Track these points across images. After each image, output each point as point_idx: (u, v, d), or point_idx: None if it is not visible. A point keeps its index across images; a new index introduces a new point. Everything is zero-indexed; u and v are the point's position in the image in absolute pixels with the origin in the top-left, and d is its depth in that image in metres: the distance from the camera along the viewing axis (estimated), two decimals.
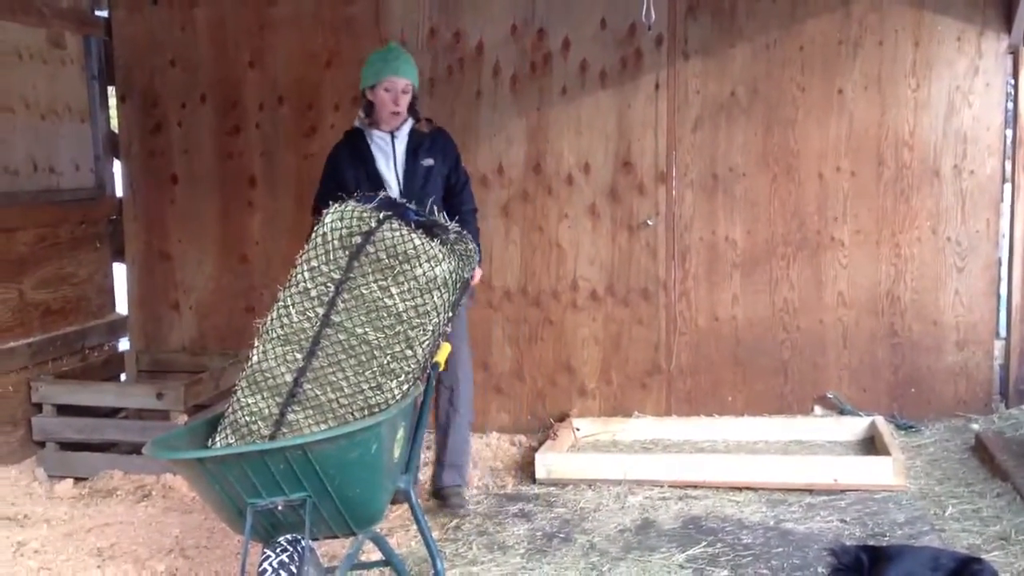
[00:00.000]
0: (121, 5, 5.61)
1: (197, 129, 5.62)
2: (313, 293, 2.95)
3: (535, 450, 4.90)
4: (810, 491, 4.38)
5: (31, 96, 5.17)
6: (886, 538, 3.82)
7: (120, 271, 5.88)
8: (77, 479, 4.85)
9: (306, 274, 2.97)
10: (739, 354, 5.31)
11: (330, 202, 3.21)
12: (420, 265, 2.95)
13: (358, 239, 2.98)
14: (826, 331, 5.24)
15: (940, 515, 4.07)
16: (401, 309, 2.93)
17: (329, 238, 3.00)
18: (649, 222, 5.29)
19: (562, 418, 5.37)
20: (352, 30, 5.46)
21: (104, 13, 5.68)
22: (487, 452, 5.24)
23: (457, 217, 3.65)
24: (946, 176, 5.10)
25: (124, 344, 5.87)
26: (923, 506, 4.16)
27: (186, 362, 5.61)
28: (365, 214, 3.03)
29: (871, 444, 4.90)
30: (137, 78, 5.66)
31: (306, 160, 5.53)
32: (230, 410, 3.01)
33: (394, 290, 2.92)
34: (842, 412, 5.21)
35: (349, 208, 3.05)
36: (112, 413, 5.11)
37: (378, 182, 4.14)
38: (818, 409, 5.28)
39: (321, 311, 2.95)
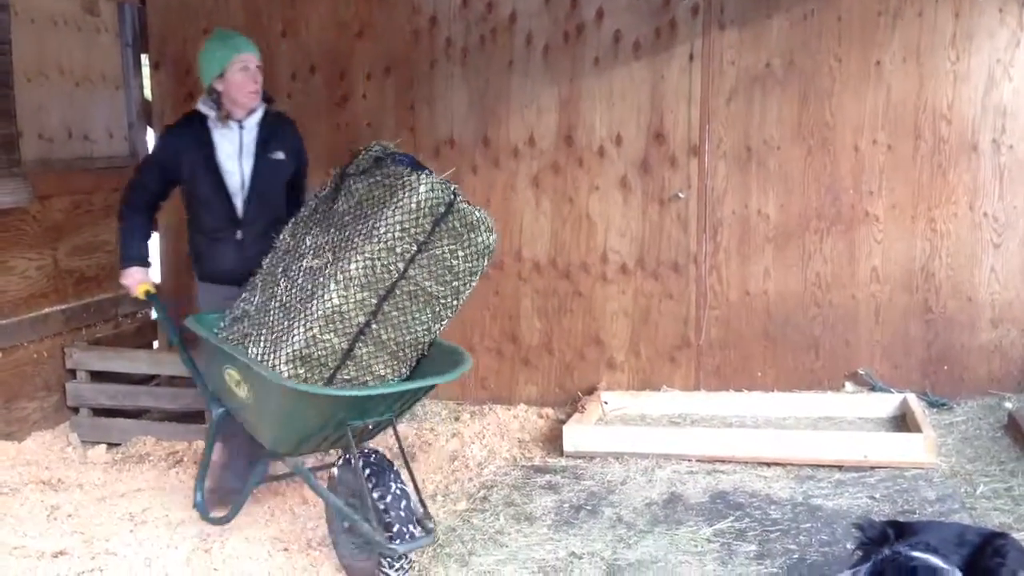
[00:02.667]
0: None
1: None
2: (398, 250, 3.26)
3: (563, 423, 4.91)
4: (839, 467, 4.35)
5: (66, 63, 5.20)
6: (915, 515, 3.79)
7: (153, 239, 5.90)
8: (110, 445, 4.93)
9: (397, 233, 3.23)
10: (770, 329, 5.27)
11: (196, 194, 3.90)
12: (481, 233, 3.40)
13: (441, 208, 3.29)
14: (859, 307, 5.18)
15: (971, 493, 4.04)
16: (460, 269, 3.39)
17: (422, 205, 3.25)
18: (680, 195, 5.25)
19: (590, 391, 5.36)
20: (384, 0, 5.43)
21: None
22: (515, 424, 5.25)
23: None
24: (984, 151, 5.00)
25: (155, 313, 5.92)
26: (954, 484, 4.13)
27: None
28: (445, 186, 3.31)
29: (902, 421, 4.86)
30: (170, 46, 5.67)
31: (338, 129, 5.54)
32: (299, 343, 3.23)
33: (460, 253, 3.37)
34: (873, 388, 5.16)
35: (436, 181, 3.30)
36: (145, 380, 5.16)
37: (217, 173, 3.92)
38: (849, 385, 5.23)
39: (401, 266, 3.27)
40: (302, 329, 3.21)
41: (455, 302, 3.45)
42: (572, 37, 5.27)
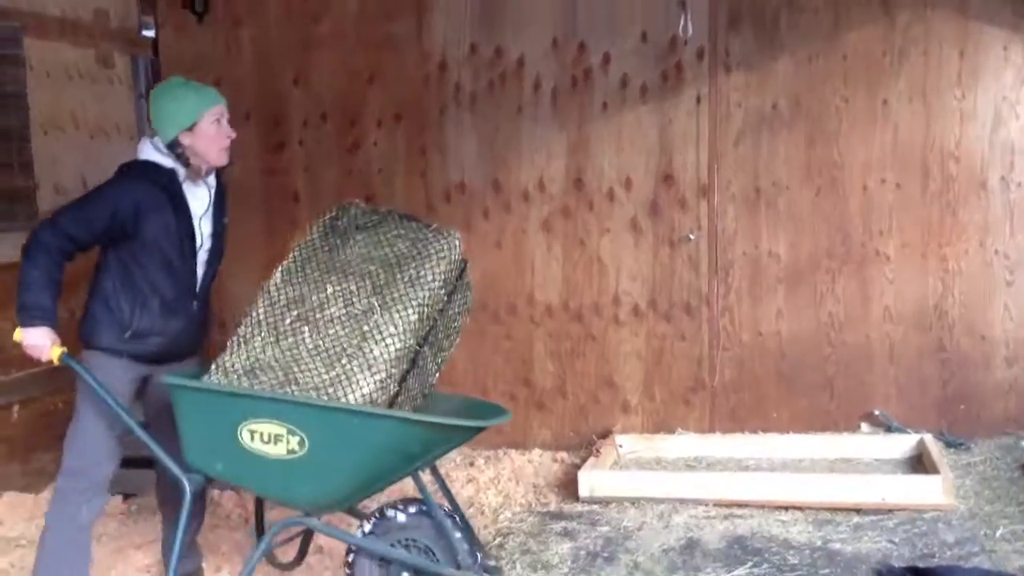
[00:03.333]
0: (168, 25, 5.70)
1: (241, 146, 5.57)
2: (437, 302, 3.32)
3: (578, 467, 4.89)
4: (858, 511, 4.32)
5: (80, 116, 5.27)
6: (935, 559, 3.75)
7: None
8: (126, 495, 4.91)
9: (439, 285, 3.28)
10: (784, 370, 5.26)
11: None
12: (470, 292, 3.51)
13: (462, 265, 3.43)
14: (873, 346, 5.17)
15: (990, 536, 3.99)
16: (458, 325, 3.49)
17: (455, 260, 3.35)
18: (691, 236, 5.26)
19: (605, 434, 5.35)
20: (394, 47, 5.50)
21: (151, 33, 5.78)
22: (529, 469, 5.23)
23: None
24: (993, 188, 5.01)
25: None
26: (973, 526, 4.09)
27: None
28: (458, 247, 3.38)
29: (919, 462, 4.83)
30: None
31: (349, 175, 5.58)
32: (369, 386, 3.09)
33: (459, 309, 3.47)
34: (889, 429, 5.13)
35: (456, 242, 3.35)
36: None
37: (193, 239, 3.46)
38: (865, 426, 5.20)
39: (436, 317, 3.34)
40: (368, 374, 3.10)
41: (446, 355, 3.50)
42: (580, 82, 5.32)
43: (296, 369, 3.13)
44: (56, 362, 3.30)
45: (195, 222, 3.46)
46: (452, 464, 5.24)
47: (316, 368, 3.12)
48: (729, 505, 4.45)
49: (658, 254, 5.32)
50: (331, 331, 3.18)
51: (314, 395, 3.08)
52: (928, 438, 4.91)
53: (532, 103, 5.38)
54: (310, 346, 3.17)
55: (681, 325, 5.32)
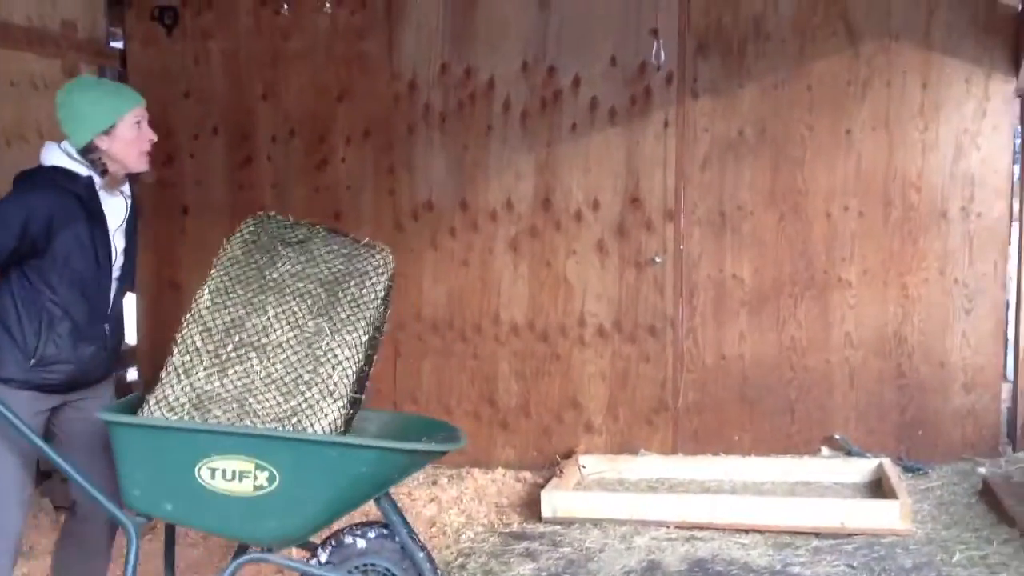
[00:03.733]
0: (136, 37, 5.67)
1: (209, 160, 5.66)
2: (378, 320, 3.18)
3: (541, 487, 4.89)
4: (817, 534, 4.35)
5: (45, 126, 5.19)
6: None
7: (129, 300, 5.89)
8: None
9: (380, 303, 3.13)
10: (746, 393, 5.30)
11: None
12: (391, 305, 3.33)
13: (389, 291, 3.24)
14: (833, 371, 5.23)
15: (947, 561, 4.04)
16: (380, 339, 3.27)
17: (393, 277, 3.20)
18: (657, 259, 5.30)
19: (568, 454, 5.36)
20: (364, 65, 5.50)
21: (119, 44, 5.74)
22: (492, 488, 5.23)
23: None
24: (953, 218, 5.10)
25: (132, 374, 5.88)
26: (930, 551, 4.14)
27: None
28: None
29: (878, 486, 4.88)
30: (151, 109, 5.52)
31: (317, 192, 5.57)
32: (334, 412, 2.96)
33: (386, 323, 3.26)
34: (849, 453, 5.19)
35: (390, 258, 3.20)
36: None
37: (109, 255, 3.14)
38: (825, 450, 5.26)
39: (375, 334, 3.17)
40: (330, 400, 2.96)
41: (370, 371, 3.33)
42: (549, 103, 5.35)
43: (251, 400, 2.94)
44: None
45: (110, 235, 3.14)
46: (415, 483, 5.21)
47: (273, 397, 2.94)
48: (690, 527, 4.47)
49: (624, 276, 5.36)
50: (281, 357, 2.99)
51: (276, 426, 2.90)
52: (887, 462, 4.97)
53: (501, 123, 5.40)
54: (262, 374, 2.97)
55: (646, 347, 5.36)
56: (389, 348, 5.40)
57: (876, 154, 5.13)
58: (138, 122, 3.12)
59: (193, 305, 3.02)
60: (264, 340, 2.99)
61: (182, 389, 2.93)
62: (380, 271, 3.17)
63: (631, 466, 5.26)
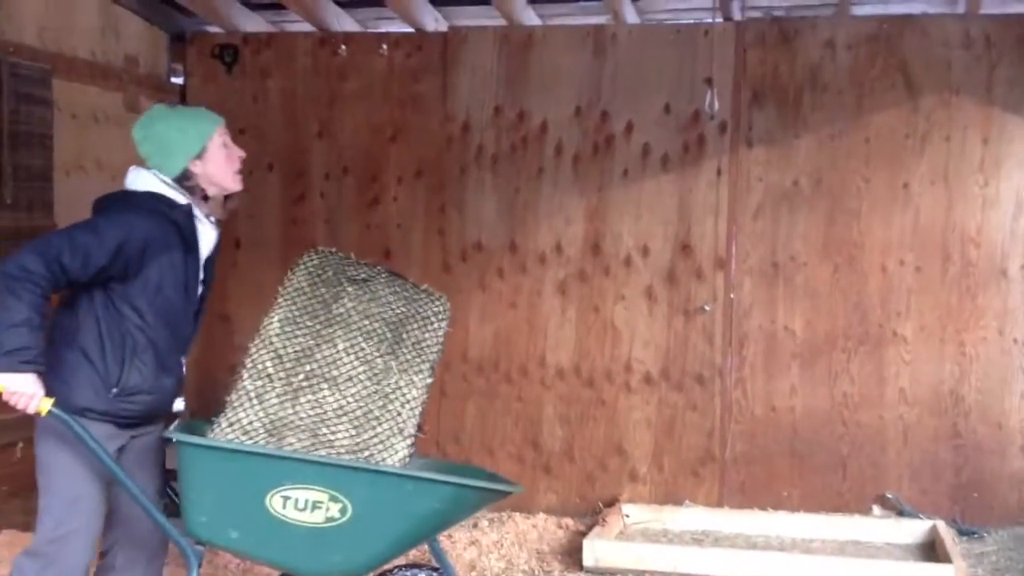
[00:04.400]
0: (197, 73, 5.77)
1: (263, 196, 5.71)
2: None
3: (583, 535, 4.81)
4: None
5: (104, 158, 5.30)
6: None
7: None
8: None
9: (431, 372, 3.13)
10: (796, 447, 5.19)
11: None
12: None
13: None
14: (887, 428, 5.11)
15: None
16: None
17: (442, 343, 3.17)
18: (706, 307, 5.24)
19: (611, 502, 5.27)
20: (418, 106, 5.55)
21: (180, 80, 5.84)
22: (533, 534, 5.15)
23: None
24: (1014, 276, 4.99)
25: (179, 405, 5.90)
26: None
27: None
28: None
29: (931, 549, 4.74)
30: None
31: (368, 230, 5.60)
32: (404, 448, 2.98)
33: None
34: (901, 513, 5.04)
35: (448, 305, 3.21)
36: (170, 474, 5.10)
37: (197, 281, 3.09)
38: (877, 509, 5.12)
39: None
40: (400, 438, 2.98)
41: None
42: (601, 148, 5.35)
43: (325, 430, 2.93)
44: (44, 412, 2.80)
45: (200, 263, 3.08)
46: (456, 525, 5.15)
47: (345, 429, 2.93)
48: None
49: (672, 323, 5.30)
50: (352, 391, 2.99)
51: (349, 459, 2.89)
52: (941, 525, 4.83)
53: (553, 167, 5.40)
54: (334, 406, 2.97)
55: (693, 395, 5.28)
56: (434, 387, 5.35)
57: (934, 208, 5.04)
58: (225, 143, 3.07)
59: (261, 331, 2.98)
60: (335, 372, 2.99)
61: (255, 414, 2.89)
62: (440, 317, 3.19)
63: (676, 517, 5.16)
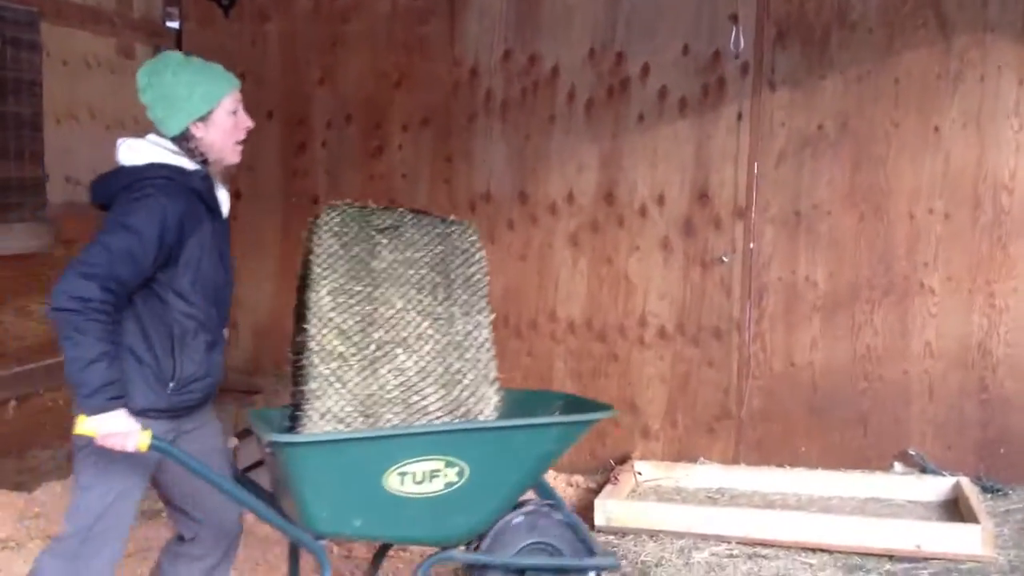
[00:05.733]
0: (193, 17, 5.56)
1: (262, 145, 5.52)
2: None
3: (594, 492, 4.68)
4: (890, 557, 4.08)
5: (97, 106, 5.12)
6: None
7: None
8: None
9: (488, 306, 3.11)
10: (815, 402, 5.01)
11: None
12: None
13: None
14: (911, 383, 4.91)
15: None
16: None
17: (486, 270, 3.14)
18: (724, 258, 5.04)
19: (623, 460, 5.12)
20: (425, 50, 5.32)
21: (175, 24, 5.63)
22: None
23: None
24: None
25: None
26: None
27: (240, 382, 5.51)
28: None
29: (955, 507, 4.58)
30: None
31: (371, 180, 5.41)
32: (496, 399, 3.02)
33: None
34: (924, 470, 4.87)
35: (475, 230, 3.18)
36: None
37: (227, 244, 2.91)
38: (898, 466, 4.95)
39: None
40: (487, 384, 2.99)
41: None
42: (616, 93, 5.12)
43: (415, 397, 2.90)
44: (144, 450, 2.60)
45: (227, 229, 2.90)
46: None
47: (435, 391, 2.91)
48: (754, 544, 4.22)
49: (689, 275, 5.10)
50: (426, 348, 2.93)
51: (445, 419, 2.89)
52: (965, 482, 4.67)
53: (565, 113, 5.18)
54: (415, 369, 2.91)
55: (709, 350, 5.10)
56: None
57: (966, 153, 4.79)
58: (235, 109, 2.81)
59: (313, 308, 2.87)
60: (404, 334, 2.92)
61: (343, 397, 2.84)
62: (477, 246, 3.12)
63: (690, 475, 5.01)
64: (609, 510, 4.44)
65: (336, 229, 2.98)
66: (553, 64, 5.18)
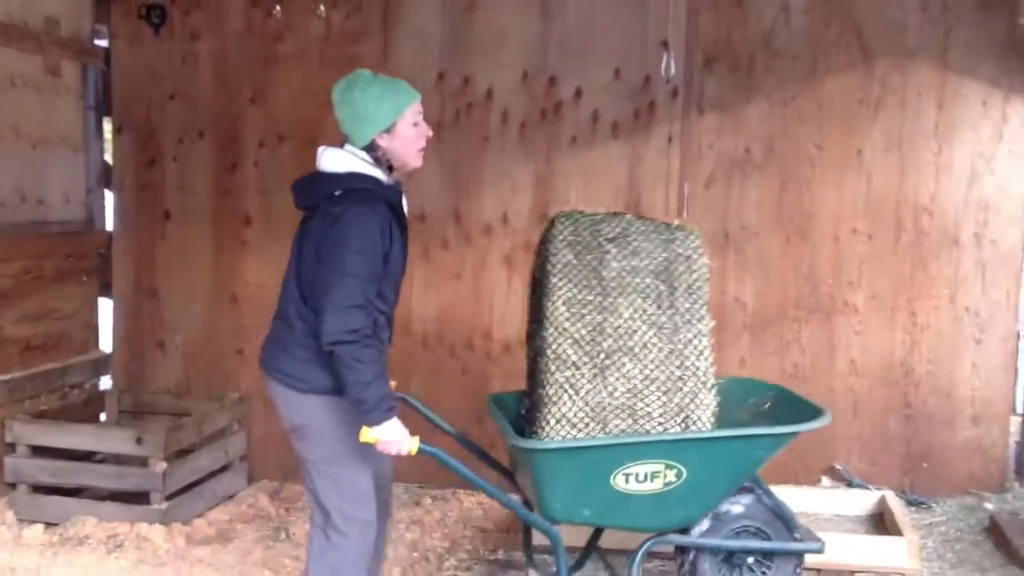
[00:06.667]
0: (122, 35, 5.47)
1: (194, 164, 5.46)
2: None
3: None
4: (818, 571, 4.14)
5: (23, 125, 5.01)
6: None
7: (106, 307, 5.69)
8: (48, 524, 4.63)
9: (708, 312, 3.37)
10: None
11: None
12: None
13: None
14: (837, 399, 5.03)
15: None
16: None
17: (708, 274, 3.42)
18: None
19: None
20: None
21: (104, 43, 5.54)
22: (478, 512, 5.03)
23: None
24: (966, 244, 4.93)
25: (106, 383, 5.67)
26: None
27: (170, 404, 5.40)
28: None
29: (880, 520, 4.68)
30: (135, 110, 5.50)
31: None
32: (713, 404, 3.29)
33: None
34: (851, 485, 4.99)
35: (700, 234, 3.49)
36: (89, 456, 4.89)
37: (406, 259, 3.21)
38: (826, 480, 5.06)
39: None
40: (706, 390, 3.26)
41: None
42: (550, 115, 5.17)
43: (640, 404, 3.20)
44: (414, 453, 3.01)
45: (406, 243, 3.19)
46: (399, 502, 5.01)
47: (657, 398, 3.21)
48: None
49: None
50: (650, 356, 3.22)
51: (668, 424, 3.20)
52: (890, 495, 4.77)
53: (499, 134, 5.22)
54: (640, 376, 3.20)
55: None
56: None
57: (887, 176, 4.95)
58: (416, 120, 3.12)
59: (549, 317, 3.22)
60: (631, 343, 3.23)
61: (576, 404, 3.19)
62: (699, 251, 3.38)
63: None
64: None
65: (570, 239, 3.34)
66: (487, 86, 5.21)
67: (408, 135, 3.10)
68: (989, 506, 4.84)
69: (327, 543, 3.14)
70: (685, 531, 3.39)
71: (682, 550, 3.47)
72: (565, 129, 5.16)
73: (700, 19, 5.02)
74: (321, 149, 3.14)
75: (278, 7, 5.36)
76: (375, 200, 3.00)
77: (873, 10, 4.91)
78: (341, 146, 3.12)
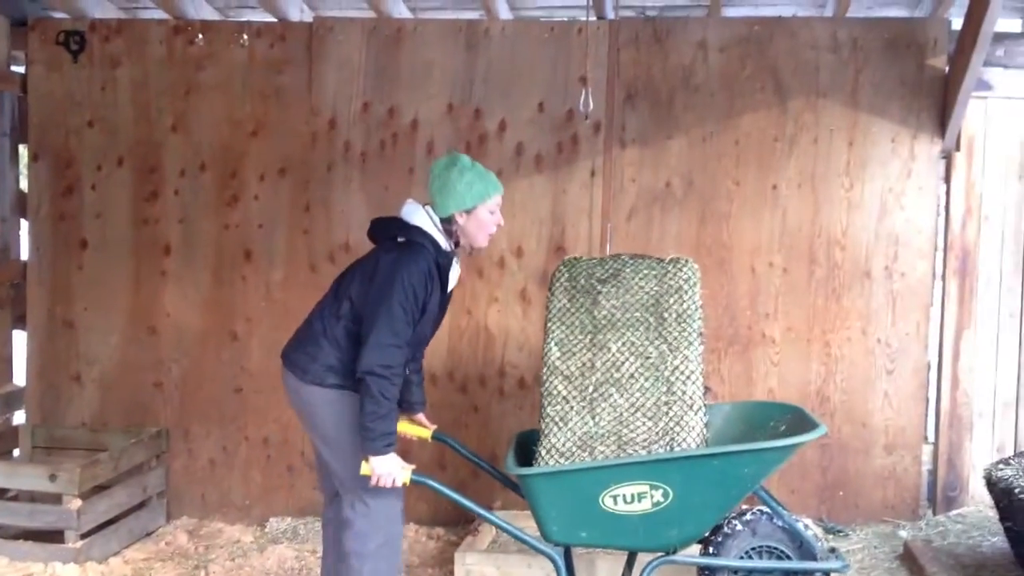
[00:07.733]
0: (40, 61, 5.37)
1: (112, 193, 5.36)
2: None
3: (455, 545, 4.67)
4: None
5: None
6: None
7: (20, 339, 5.53)
8: None
9: (700, 338, 3.54)
10: None
11: None
12: None
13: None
14: None
15: None
16: None
17: (700, 303, 3.60)
18: None
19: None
20: (282, 100, 5.29)
21: (21, 69, 5.42)
22: (403, 545, 4.96)
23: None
24: (877, 277, 5.08)
25: (20, 417, 5.50)
26: None
27: (85, 439, 5.26)
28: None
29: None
30: (52, 137, 5.39)
31: (226, 230, 5.32)
32: (701, 427, 3.39)
33: None
34: (836, 533, 5.04)
35: (696, 267, 3.69)
36: (1, 493, 4.74)
37: (443, 313, 3.65)
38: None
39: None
40: (692, 413, 3.37)
41: None
42: (474, 147, 5.21)
43: (625, 430, 3.37)
44: (408, 483, 3.42)
45: (446, 299, 3.60)
46: (320, 537, 4.93)
47: (643, 424, 3.37)
48: None
49: None
50: (637, 386, 3.41)
51: (654, 449, 3.32)
52: (808, 524, 4.86)
53: (424, 165, 5.23)
54: (626, 406, 3.39)
55: None
56: None
57: (802, 211, 5.09)
58: (494, 209, 3.56)
59: (545, 358, 3.51)
60: (617, 375, 3.45)
61: (565, 436, 3.41)
62: (691, 282, 3.58)
63: None
64: (469, 563, 4.43)
65: (566, 285, 3.67)
66: (412, 117, 5.23)
67: (484, 220, 3.55)
68: (903, 533, 4.95)
69: (353, 513, 3.53)
70: (707, 548, 3.56)
71: (701, 572, 3.63)
72: (490, 161, 5.19)
73: (621, 56, 5.12)
74: (408, 200, 3.60)
75: (200, 36, 5.32)
76: (428, 256, 3.43)
77: (787, 50, 5.06)
78: (424, 206, 3.54)
